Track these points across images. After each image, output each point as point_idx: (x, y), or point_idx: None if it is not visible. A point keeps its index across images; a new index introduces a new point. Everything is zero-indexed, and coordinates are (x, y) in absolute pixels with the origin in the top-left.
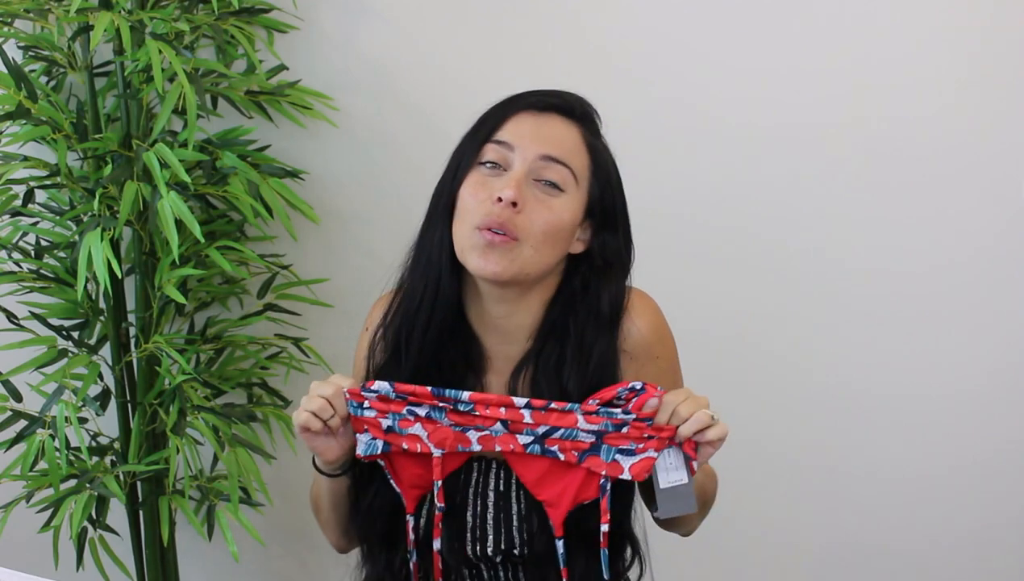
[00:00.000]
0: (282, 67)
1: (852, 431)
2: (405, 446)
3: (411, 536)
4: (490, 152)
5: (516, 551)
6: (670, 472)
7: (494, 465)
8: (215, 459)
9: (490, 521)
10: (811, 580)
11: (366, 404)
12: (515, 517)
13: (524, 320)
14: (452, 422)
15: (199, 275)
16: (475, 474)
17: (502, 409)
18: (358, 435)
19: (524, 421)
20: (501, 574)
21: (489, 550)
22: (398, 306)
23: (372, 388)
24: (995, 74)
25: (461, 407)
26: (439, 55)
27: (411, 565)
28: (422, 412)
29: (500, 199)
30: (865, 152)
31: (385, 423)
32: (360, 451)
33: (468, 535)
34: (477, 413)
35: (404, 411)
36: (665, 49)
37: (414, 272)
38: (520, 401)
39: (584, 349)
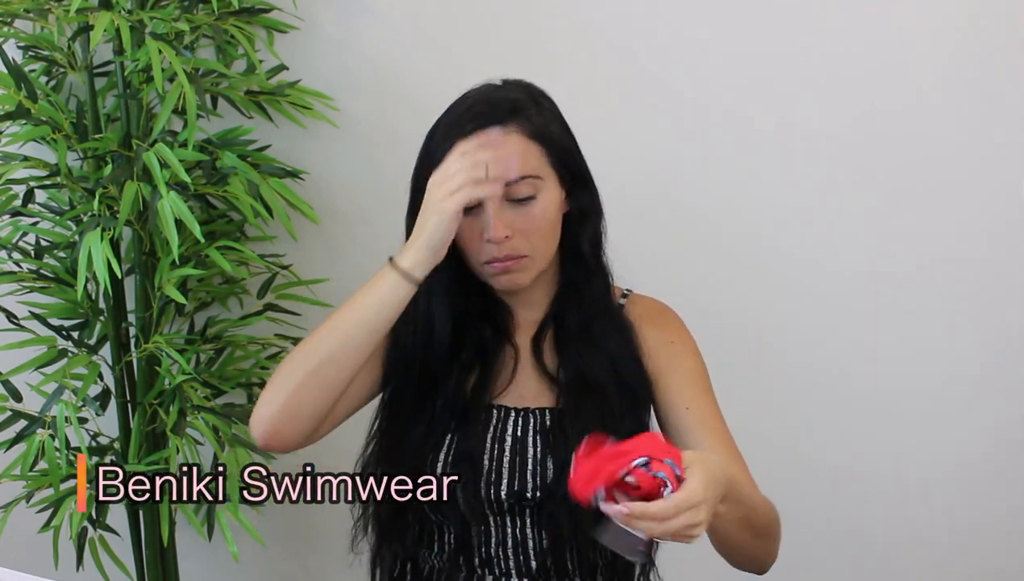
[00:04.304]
0: (282, 67)
1: (851, 428)
2: None
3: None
4: None
5: (528, 495)
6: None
7: (513, 413)
8: (215, 459)
9: (506, 464)
10: (812, 575)
11: None
12: (530, 461)
13: (543, 290)
14: None
15: (199, 275)
16: (494, 420)
17: None
18: None
19: None
20: (509, 528)
21: (503, 493)
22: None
23: None
24: (995, 70)
25: None
26: (439, 55)
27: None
28: None
29: (490, 240)
30: (863, 148)
31: None
32: None
33: (483, 478)
34: None
35: None
36: (667, 48)
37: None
38: None
39: (587, 304)
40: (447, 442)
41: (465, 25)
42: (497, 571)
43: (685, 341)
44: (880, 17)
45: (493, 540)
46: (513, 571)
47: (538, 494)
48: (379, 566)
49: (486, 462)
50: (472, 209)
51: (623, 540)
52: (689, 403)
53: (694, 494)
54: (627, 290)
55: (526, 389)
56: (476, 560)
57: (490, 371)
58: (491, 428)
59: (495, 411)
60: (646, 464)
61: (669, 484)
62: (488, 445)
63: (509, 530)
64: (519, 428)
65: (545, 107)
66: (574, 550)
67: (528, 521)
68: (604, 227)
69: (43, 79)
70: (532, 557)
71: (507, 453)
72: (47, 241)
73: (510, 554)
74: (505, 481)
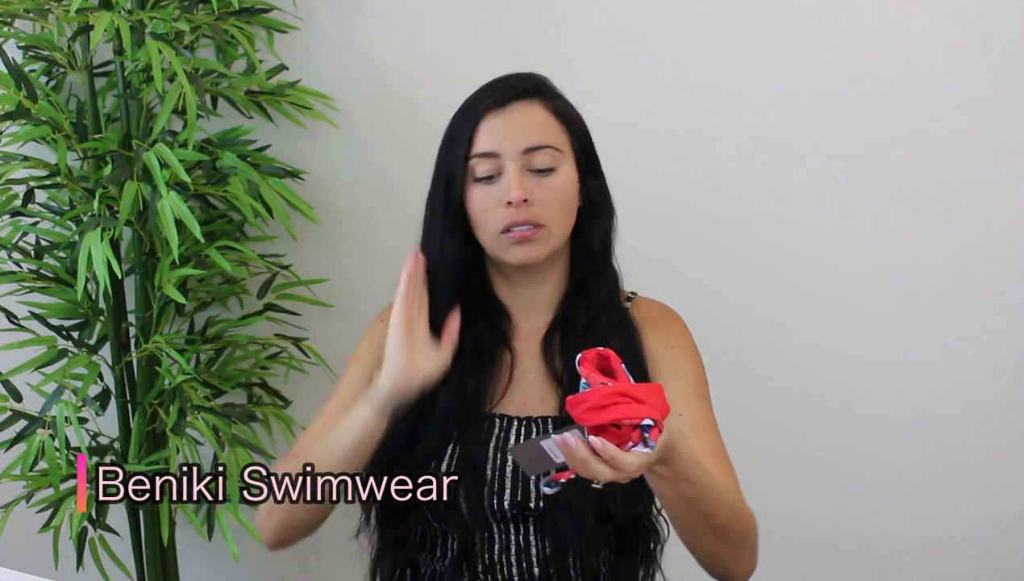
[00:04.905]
0: (282, 67)
1: (852, 428)
2: None
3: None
4: (480, 167)
5: (531, 504)
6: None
7: (515, 422)
8: (215, 459)
9: (508, 474)
10: (812, 575)
11: None
12: None
13: (550, 290)
14: None
15: (199, 275)
16: (496, 430)
17: None
18: None
19: None
20: (512, 536)
21: (506, 503)
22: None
23: None
24: (994, 70)
25: None
26: (439, 55)
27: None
28: None
29: (511, 202)
30: (863, 150)
31: None
32: None
33: (486, 488)
34: None
35: None
36: (667, 50)
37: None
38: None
39: (595, 300)
40: (449, 450)
41: (465, 25)
42: (500, 578)
43: (686, 347)
44: (880, 17)
45: (496, 547)
46: (516, 578)
47: (541, 504)
48: (379, 571)
49: (488, 472)
50: (491, 178)
51: (539, 460)
52: (682, 409)
53: (649, 457)
54: (632, 293)
55: (528, 395)
56: (479, 567)
57: (488, 376)
58: (493, 438)
59: (497, 420)
60: (648, 427)
61: (644, 445)
62: (491, 455)
63: (512, 538)
64: (522, 438)
65: (562, 97)
66: (577, 557)
67: (531, 529)
68: (615, 224)
69: (43, 79)
70: (535, 564)
71: (510, 463)
72: (47, 241)
73: (513, 561)
74: (508, 491)
